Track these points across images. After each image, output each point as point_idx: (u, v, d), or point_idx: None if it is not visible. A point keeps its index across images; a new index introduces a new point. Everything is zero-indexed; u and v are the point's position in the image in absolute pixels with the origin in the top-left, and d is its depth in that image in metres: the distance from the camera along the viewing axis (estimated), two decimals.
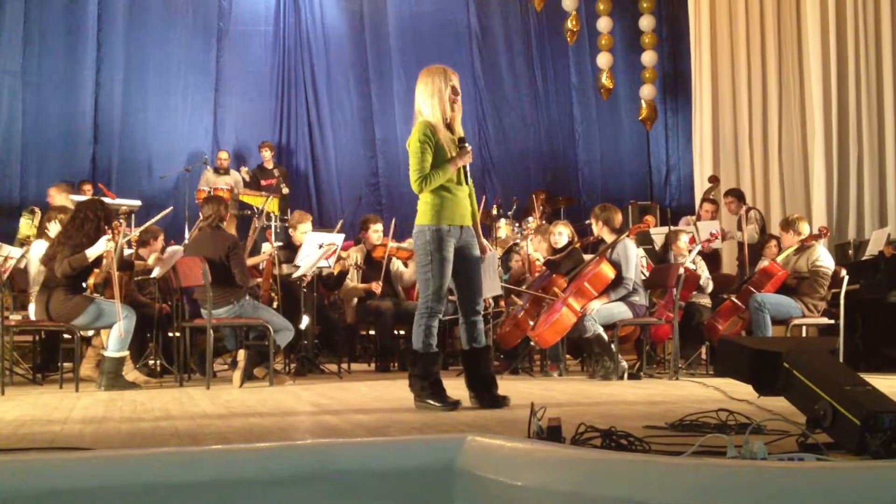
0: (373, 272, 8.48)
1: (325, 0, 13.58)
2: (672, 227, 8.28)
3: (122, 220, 6.65)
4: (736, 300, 7.25)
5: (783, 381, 3.12)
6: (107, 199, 7.95)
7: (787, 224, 7.46)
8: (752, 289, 7.19)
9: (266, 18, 13.37)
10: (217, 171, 11.83)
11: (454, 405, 4.53)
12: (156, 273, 7.14)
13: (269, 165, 12.13)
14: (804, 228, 7.37)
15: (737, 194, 9.65)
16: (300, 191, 13.14)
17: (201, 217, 6.90)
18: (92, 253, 6.14)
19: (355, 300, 8.46)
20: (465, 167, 4.69)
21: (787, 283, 7.19)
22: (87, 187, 10.86)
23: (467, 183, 4.73)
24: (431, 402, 4.56)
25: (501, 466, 2.52)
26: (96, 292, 6.30)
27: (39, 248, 6.77)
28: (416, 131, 4.65)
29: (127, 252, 7.64)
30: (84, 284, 6.28)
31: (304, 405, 4.95)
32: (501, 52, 14.11)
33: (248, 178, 12.19)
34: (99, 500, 2.38)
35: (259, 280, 7.50)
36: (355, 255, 8.55)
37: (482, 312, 4.84)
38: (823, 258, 7.19)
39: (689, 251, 7.73)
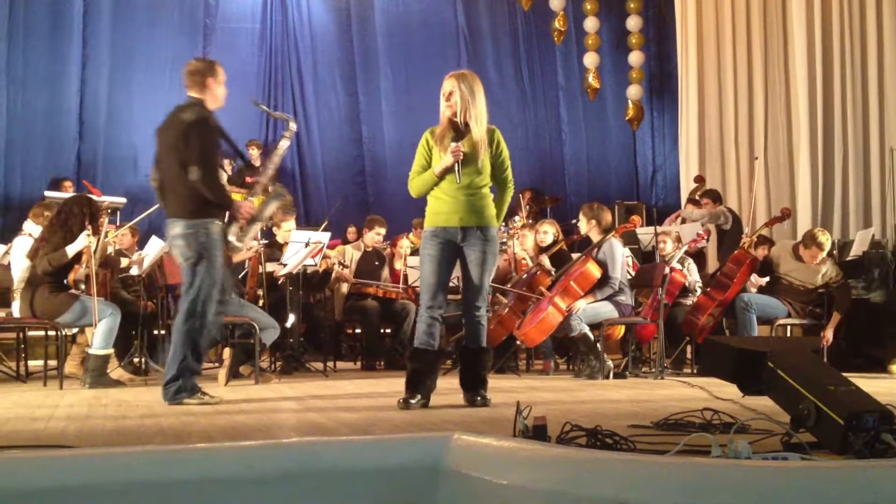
0: (365, 272, 8.49)
1: None
2: (658, 228, 8.29)
3: (105, 217, 6.61)
4: (711, 293, 7.26)
5: (767, 381, 3.13)
6: (93, 197, 7.90)
7: (811, 240, 7.11)
8: (724, 279, 7.19)
9: (253, 16, 13.31)
10: None
11: (405, 403, 4.55)
12: (134, 270, 7.10)
13: (256, 163, 12.08)
14: (826, 243, 7.14)
15: (712, 195, 9.70)
16: (286, 189, 13.08)
17: None
18: (72, 250, 6.11)
19: (345, 287, 8.45)
20: (456, 167, 4.59)
21: (820, 293, 7.10)
22: (68, 184, 10.79)
23: (459, 181, 4.63)
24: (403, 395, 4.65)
25: (487, 465, 2.52)
26: (76, 289, 6.26)
27: (21, 244, 6.73)
28: None
29: (110, 249, 7.60)
30: (65, 282, 6.24)
31: (289, 403, 4.94)
32: (489, 51, 14.10)
33: (229, 172, 12.13)
34: (83, 498, 2.37)
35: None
36: (350, 252, 8.57)
37: (480, 313, 4.80)
38: (836, 273, 7.15)
39: (677, 250, 7.75)
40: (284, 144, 5.42)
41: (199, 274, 4.81)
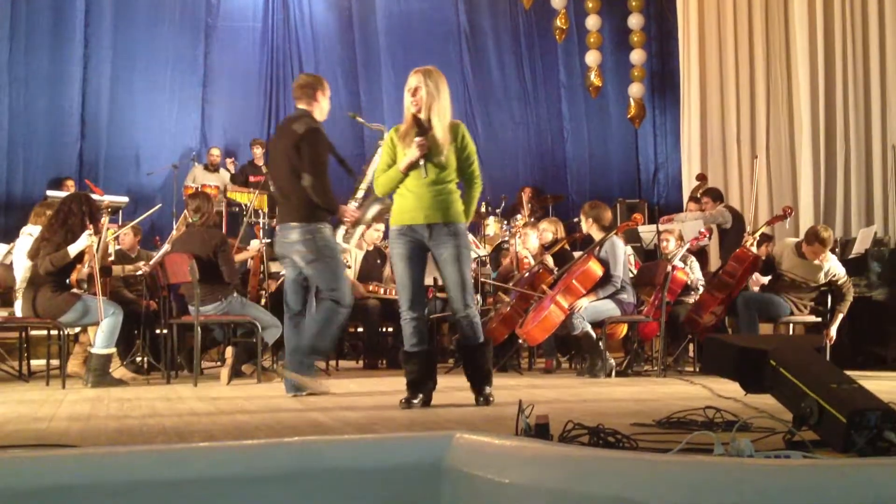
0: (369, 271, 8.49)
1: None
2: (661, 226, 8.28)
3: (105, 216, 6.60)
4: (713, 291, 7.24)
5: (770, 379, 3.13)
6: (94, 196, 7.88)
7: (814, 236, 7.01)
8: (727, 278, 7.18)
9: (254, 15, 13.32)
10: (207, 167, 11.78)
11: (407, 403, 4.54)
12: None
13: (259, 162, 12.09)
14: (829, 239, 7.07)
15: (712, 194, 9.68)
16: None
17: (186, 212, 6.87)
18: (74, 249, 6.10)
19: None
20: (422, 162, 4.54)
21: (822, 291, 7.07)
22: (70, 183, 10.80)
23: (425, 175, 4.56)
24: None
25: (489, 464, 2.52)
26: (79, 288, 6.26)
27: (24, 244, 6.73)
28: None
29: (111, 249, 7.60)
30: (67, 281, 6.24)
31: (291, 402, 4.94)
32: (490, 49, 14.11)
33: (232, 171, 12.13)
34: (86, 497, 2.37)
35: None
36: (355, 252, 8.57)
37: (470, 311, 4.71)
38: (840, 271, 7.09)
39: (679, 248, 7.74)
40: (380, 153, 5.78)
41: (327, 271, 5.23)
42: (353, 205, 5.57)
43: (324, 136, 5.31)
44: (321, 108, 5.42)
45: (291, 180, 5.19)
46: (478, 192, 4.87)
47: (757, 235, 7.51)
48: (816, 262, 7.04)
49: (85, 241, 6.12)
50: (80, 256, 6.17)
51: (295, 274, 5.39)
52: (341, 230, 5.44)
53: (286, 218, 5.27)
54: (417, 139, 4.54)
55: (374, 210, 5.65)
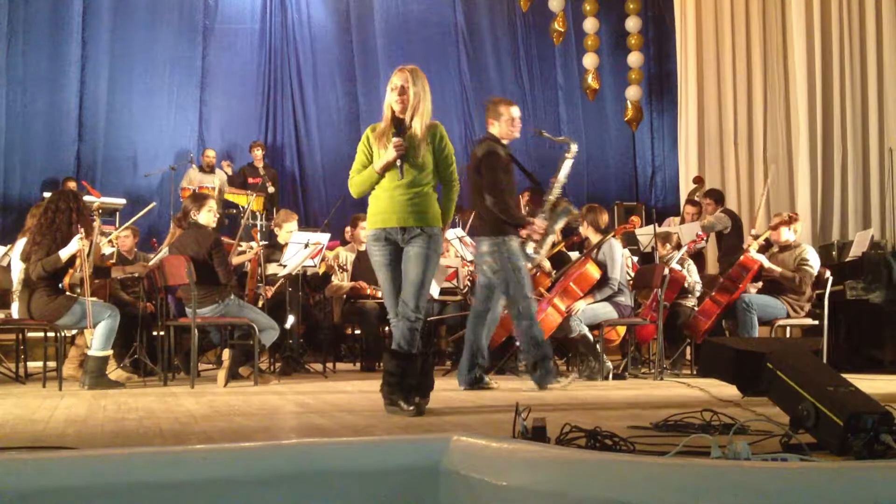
0: (362, 271, 8.47)
1: None
2: (658, 228, 8.29)
3: (95, 217, 6.58)
4: (716, 297, 7.24)
5: (767, 382, 3.13)
6: (91, 198, 7.87)
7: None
8: (730, 284, 7.18)
9: (252, 16, 13.30)
10: (203, 169, 11.77)
11: (413, 411, 4.32)
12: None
13: (259, 164, 12.08)
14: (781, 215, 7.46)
15: (714, 196, 9.68)
16: (286, 190, 13.10)
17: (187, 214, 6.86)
18: (65, 254, 6.07)
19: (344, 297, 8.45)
20: (399, 163, 4.45)
21: (777, 279, 7.15)
22: (73, 185, 10.78)
23: (402, 177, 4.48)
24: (398, 404, 4.40)
25: (486, 466, 2.52)
26: (72, 292, 6.24)
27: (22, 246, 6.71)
28: None
29: (107, 251, 7.58)
30: (60, 285, 6.22)
31: (288, 405, 4.94)
32: (488, 52, 14.11)
33: (229, 172, 12.13)
34: (82, 499, 2.37)
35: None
36: (344, 255, 8.54)
37: (415, 314, 4.42)
38: (812, 259, 7.17)
39: (675, 251, 7.75)
40: (568, 164, 6.24)
41: (511, 282, 5.72)
42: (540, 216, 5.95)
43: (500, 159, 5.82)
44: (502, 130, 5.99)
45: (479, 199, 5.79)
46: (455, 194, 4.77)
47: (761, 240, 7.49)
48: (791, 251, 7.13)
49: (76, 245, 6.07)
50: (72, 260, 6.14)
51: (485, 280, 5.88)
52: (531, 242, 5.88)
53: (479, 231, 5.92)
54: (395, 140, 4.45)
55: (561, 220, 6.09)
